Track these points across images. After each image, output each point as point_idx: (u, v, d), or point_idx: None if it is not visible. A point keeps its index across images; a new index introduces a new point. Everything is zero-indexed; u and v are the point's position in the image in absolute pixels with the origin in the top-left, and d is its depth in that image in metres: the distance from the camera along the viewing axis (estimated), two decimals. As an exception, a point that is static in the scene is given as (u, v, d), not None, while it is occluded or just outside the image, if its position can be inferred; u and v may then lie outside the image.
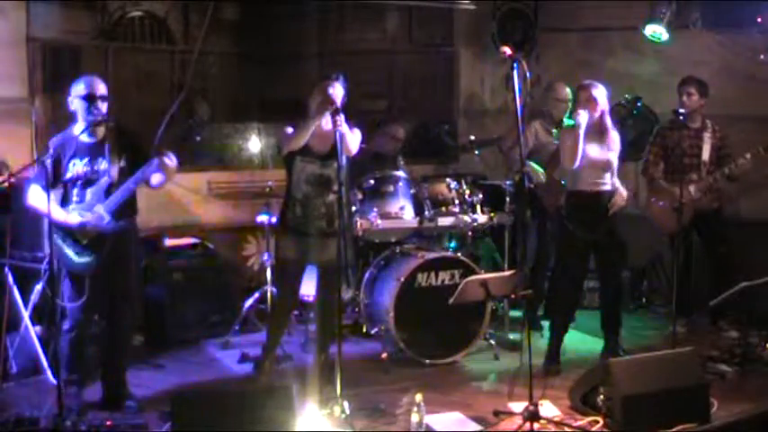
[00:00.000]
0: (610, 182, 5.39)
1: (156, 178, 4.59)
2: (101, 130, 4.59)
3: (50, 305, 4.49)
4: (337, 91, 4.81)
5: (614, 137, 5.39)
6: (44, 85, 6.22)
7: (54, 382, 4.51)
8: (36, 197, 4.49)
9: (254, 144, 7.53)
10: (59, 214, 4.46)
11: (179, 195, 6.47)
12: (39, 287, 5.08)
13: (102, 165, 4.56)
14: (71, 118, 4.63)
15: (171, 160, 4.50)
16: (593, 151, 5.30)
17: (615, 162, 5.40)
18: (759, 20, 6.50)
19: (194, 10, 7.55)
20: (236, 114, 7.88)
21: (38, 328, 5.16)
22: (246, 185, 6.71)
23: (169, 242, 6.21)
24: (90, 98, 4.50)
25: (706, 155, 6.06)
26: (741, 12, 6.59)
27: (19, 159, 5.33)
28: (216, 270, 6.20)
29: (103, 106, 4.54)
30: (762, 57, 6.58)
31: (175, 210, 6.50)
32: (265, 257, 6.02)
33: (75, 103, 4.54)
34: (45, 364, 5.04)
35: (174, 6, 7.47)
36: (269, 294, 6.03)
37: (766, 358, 5.46)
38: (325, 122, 4.82)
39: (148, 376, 5.32)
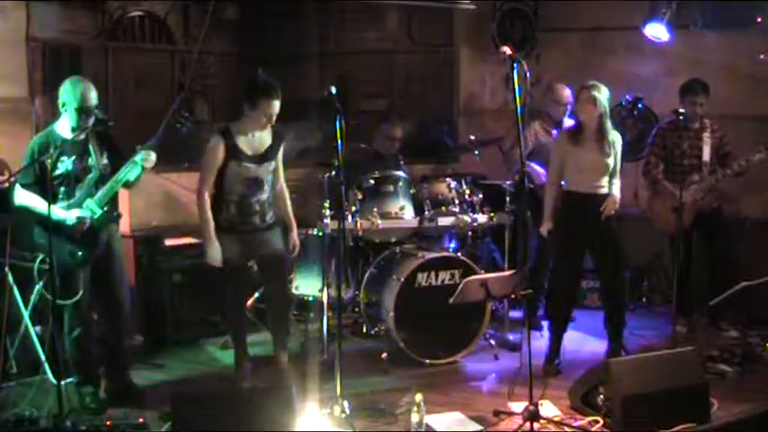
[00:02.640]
0: (608, 184, 5.39)
1: (134, 173, 4.71)
2: (83, 131, 4.64)
3: (49, 305, 4.51)
4: (274, 109, 4.96)
5: (613, 139, 5.37)
6: (44, 85, 6.21)
7: (54, 381, 4.50)
8: (27, 197, 4.53)
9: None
10: (57, 211, 4.51)
11: (179, 195, 6.46)
12: (38, 287, 5.07)
13: (90, 161, 4.66)
14: (103, 114, 4.68)
15: (151, 158, 4.69)
16: (591, 155, 5.31)
17: (615, 165, 5.39)
18: (759, 20, 6.50)
19: (194, 10, 7.56)
20: (236, 114, 7.87)
21: (38, 328, 5.15)
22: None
23: (169, 242, 6.21)
24: (84, 111, 4.56)
25: (706, 155, 6.05)
26: (741, 12, 6.59)
27: (19, 159, 5.32)
28: (216, 270, 6.17)
29: (95, 113, 4.60)
30: (762, 57, 6.58)
31: (175, 210, 6.49)
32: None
33: (69, 109, 4.58)
34: (45, 364, 5.03)
35: (174, 6, 7.47)
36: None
37: (766, 358, 5.47)
38: (261, 127, 5.01)
39: (148, 376, 5.32)
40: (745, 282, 5.33)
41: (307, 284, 5.91)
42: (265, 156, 5.06)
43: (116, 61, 6.94)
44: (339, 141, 4.57)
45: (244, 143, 5.01)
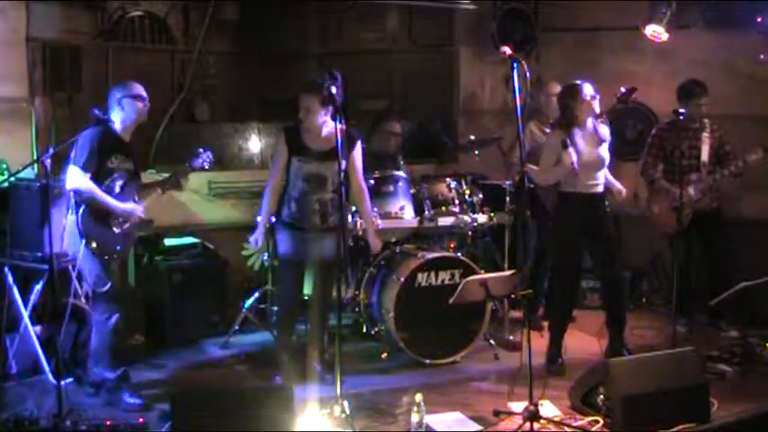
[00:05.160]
0: (603, 181, 5.40)
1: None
2: (131, 132, 4.87)
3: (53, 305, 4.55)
4: (304, 103, 4.97)
5: (603, 131, 5.43)
6: (44, 85, 6.21)
7: (54, 381, 4.51)
8: (82, 181, 4.63)
9: (254, 144, 7.53)
10: (114, 201, 4.74)
11: (179, 195, 6.45)
12: (39, 287, 5.08)
13: (132, 164, 4.90)
14: (102, 114, 4.73)
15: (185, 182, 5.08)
16: (587, 152, 5.31)
17: (607, 157, 5.42)
18: (759, 20, 6.50)
19: (194, 10, 7.56)
20: (236, 114, 7.89)
21: (38, 327, 5.15)
22: (246, 185, 6.72)
23: (169, 242, 6.21)
24: (138, 98, 4.81)
25: (705, 155, 6.05)
26: (741, 12, 6.59)
27: (19, 159, 5.32)
28: (216, 270, 6.19)
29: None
30: (762, 57, 6.58)
31: (175, 210, 6.49)
32: (265, 257, 6.02)
33: (124, 102, 4.77)
34: (45, 364, 5.03)
35: (174, 6, 7.48)
36: (269, 294, 6.04)
37: (766, 358, 5.46)
38: (324, 123, 4.97)
39: (148, 376, 5.32)
40: (745, 282, 5.33)
41: (307, 284, 5.91)
42: (332, 153, 4.91)
43: (116, 61, 6.94)
44: (339, 141, 4.57)
45: (308, 140, 5.02)
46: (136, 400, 4.74)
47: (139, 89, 4.85)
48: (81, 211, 4.66)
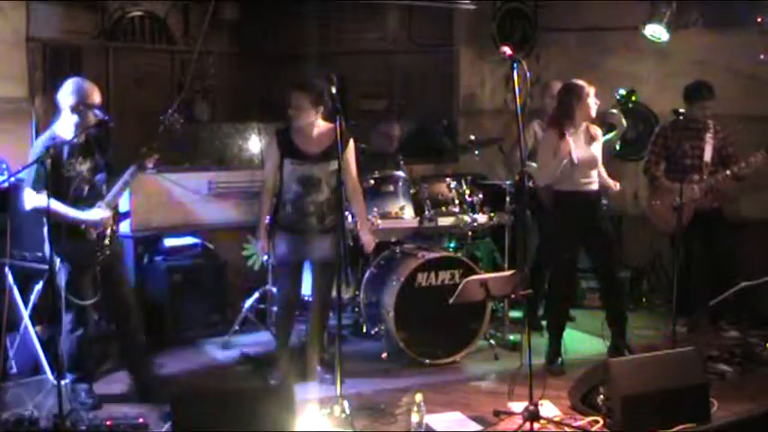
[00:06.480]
0: (597, 180, 5.41)
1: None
2: (85, 132, 4.65)
3: (53, 306, 4.54)
4: (292, 101, 4.92)
5: (595, 130, 5.46)
6: (44, 85, 6.22)
7: (54, 381, 4.51)
8: (37, 200, 4.49)
9: (254, 144, 7.53)
10: (74, 212, 4.57)
11: (179, 195, 6.46)
12: (39, 287, 5.08)
13: (94, 163, 4.70)
14: (103, 115, 4.67)
15: (150, 164, 4.79)
16: (581, 151, 5.31)
17: (599, 155, 5.43)
18: (759, 20, 6.50)
19: (194, 10, 7.58)
20: (236, 114, 7.89)
21: (38, 328, 5.15)
22: (246, 185, 6.71)
23: (169, 242, 6.21)
24: (87, 107, 4.57)
25: (708, 156, 6.05)
26: (741, 12, 6.59)
27: (19, 159, 5.32)
28: (216, 270, 6.19)
29: (97, 112, 4.63)
30: (762, 57, 6.58)
31: (175, 210, 6.48)
32: (265, 257, 6.02)
33: (80, 109, 4.57)
34: (45, 364, 5.03)
35: (174, 6, 7.49)
36: (269, 294, 6.04)
37: (766, 358, 5.47)
38: (315, 123, 4.96)
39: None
40: (745, 282, 5.33)
41: (307, 284, 5.91)
42: (324, 155, 4.95)
43: (116, 61, 6.96)
44: (339, 141, 4.57)
45: (300, 141, 4.98)
46: (89, 400, 4.72)
47: (96, 96, 4.62)
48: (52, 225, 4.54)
